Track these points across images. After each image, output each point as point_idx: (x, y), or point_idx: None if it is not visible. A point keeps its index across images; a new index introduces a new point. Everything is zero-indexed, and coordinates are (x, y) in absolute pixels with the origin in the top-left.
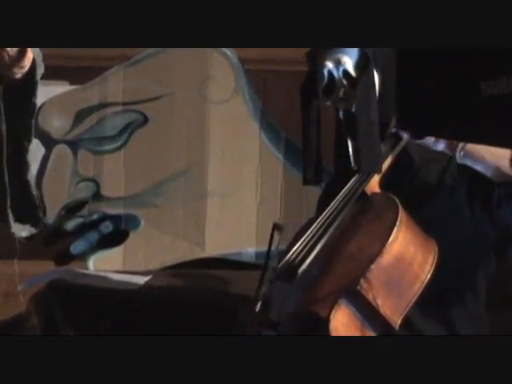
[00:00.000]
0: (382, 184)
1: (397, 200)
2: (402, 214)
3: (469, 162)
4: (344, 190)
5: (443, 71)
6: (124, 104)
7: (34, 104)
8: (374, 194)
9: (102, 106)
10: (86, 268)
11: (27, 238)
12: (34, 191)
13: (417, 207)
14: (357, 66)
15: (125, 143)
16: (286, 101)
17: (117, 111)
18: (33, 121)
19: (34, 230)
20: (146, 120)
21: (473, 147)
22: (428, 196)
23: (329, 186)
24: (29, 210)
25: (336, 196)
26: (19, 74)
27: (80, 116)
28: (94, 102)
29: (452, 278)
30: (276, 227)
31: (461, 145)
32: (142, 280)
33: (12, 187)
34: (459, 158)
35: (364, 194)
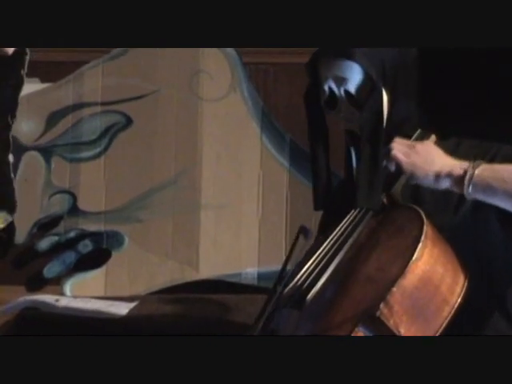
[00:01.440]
0: (404, 195)
1: (421, 212)
2: (427, 228)
3: (481, 197)
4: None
5: (468, 70)
6: (103, 104)
7: (22, 77)
8: (394, 205)
9: (78, 106)
10: (62, 294)
11: (3, 230)
12: (11, 174)
13: (439, 221)
14: (360, 89)
15: (105, 149)
16: (291, 98)
17: (95, 112)
18: (19, 95)
19: (10, 218)
20: (128, 122)
21: (481, 178)
22: (450, 207)
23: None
24: (7, 194)
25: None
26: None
27: (53, 118)
28: (68, 102)
29: (481, 300)
30: (302, 231)
31: (467, 178)
32: (126, 307)
33: None
34: (468, 194)
35: (383, 205)
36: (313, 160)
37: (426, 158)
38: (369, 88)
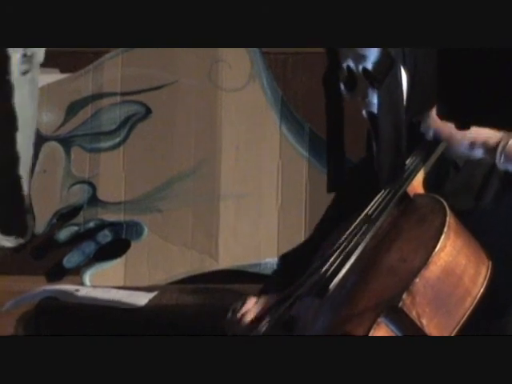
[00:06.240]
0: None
1: (444, 202)
2: (450, 219)
3: (510, 166)
4: (381, 193)
5: (487, 58)
6: (123, 94)
7: (9, 83)
8: (417, 195)
9: (98, 96)
10: (82, 284)
11: (15, 249)
12: (25, 191)
13: (461, 212)
14: (378, 66)
15: (124, 139)
16: (310, 87)
17: (115, 102)
18: (13, 104)
19: (22, 241)
20: (148, 112)
21: None
22: (473, 199)
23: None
24: (16, 216)
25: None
26: None
27: (72, 109)
28: (88, 93)
29: (505, 291)
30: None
31: (500, 147)
32: (146, 297)
33: None
34: (500, 163)
35: (406, 195)
36: (329, 145)
37: None
38: (387, 65)
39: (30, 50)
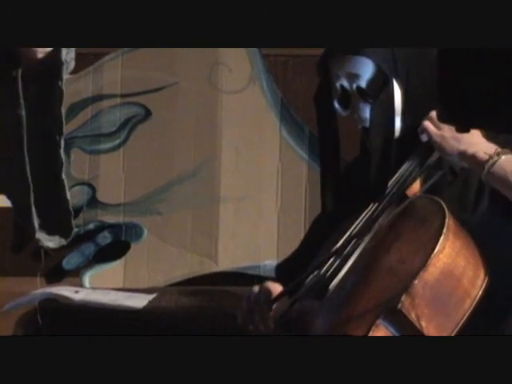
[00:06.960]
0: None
1: (443, 204)
2: (449, 221)
3: (496, 186)
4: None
5: (488, 59)
6: (122, 96)
7: (60, 89)
8: (416, 197)
9: (98, 98)
10: (82, 285)
11: (54, 250)
12: (68, 195)
13: (459, 215)
14: (372, 83)
15: (124, 141)
16: (310, 90)
17: (114, 104)
18: (62, 110)
19: (64, 242)
20: (147, 114)
21: (502, 168)
22: (467, 205)
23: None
24: (61, 218)
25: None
26: (40, 53)
27: (72, 110)
28: (88, 94)
29: (501, 299)
30: None
31: (489, 163)
32: (145, 299)
33: (41, 188)
34: (484, 176)
35: (405, 197)
36: (322, 162)
37: (456, 134)
38: (381, 82)
39: (69, 57)
